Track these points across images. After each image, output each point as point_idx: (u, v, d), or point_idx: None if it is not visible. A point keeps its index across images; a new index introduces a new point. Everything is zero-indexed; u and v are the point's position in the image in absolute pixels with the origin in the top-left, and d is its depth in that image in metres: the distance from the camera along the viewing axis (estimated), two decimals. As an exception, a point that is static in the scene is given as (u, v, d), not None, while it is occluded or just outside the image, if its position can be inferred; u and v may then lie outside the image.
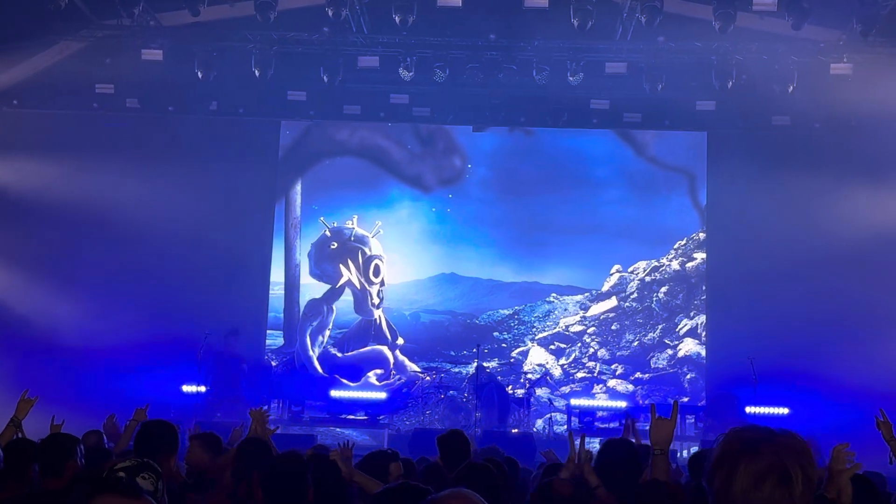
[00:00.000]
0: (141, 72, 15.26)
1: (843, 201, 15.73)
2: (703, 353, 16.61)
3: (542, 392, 16.38)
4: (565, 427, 15.33)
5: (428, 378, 15.96)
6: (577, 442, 4.93)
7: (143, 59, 14.89)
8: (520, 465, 7.18)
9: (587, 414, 15.17)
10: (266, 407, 15.53)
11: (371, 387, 16.52)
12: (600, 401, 16.19)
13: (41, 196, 16.09)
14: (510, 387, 15.49)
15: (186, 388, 14.78)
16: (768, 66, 14.69)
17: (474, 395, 14.90)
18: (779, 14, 13.09)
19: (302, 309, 17.12)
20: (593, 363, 16.85)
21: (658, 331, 16.90)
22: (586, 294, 17.06)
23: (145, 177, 16.11)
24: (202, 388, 14.64)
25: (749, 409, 14.31)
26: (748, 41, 14.41)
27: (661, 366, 16.76)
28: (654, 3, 12.81)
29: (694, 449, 12.41)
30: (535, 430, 15.50)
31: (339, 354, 16.95)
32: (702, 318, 16.78)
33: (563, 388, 16.68)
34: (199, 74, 14.96)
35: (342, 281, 17.11)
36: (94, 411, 8.20)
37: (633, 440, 6.99)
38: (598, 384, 16.74)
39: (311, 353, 16.96)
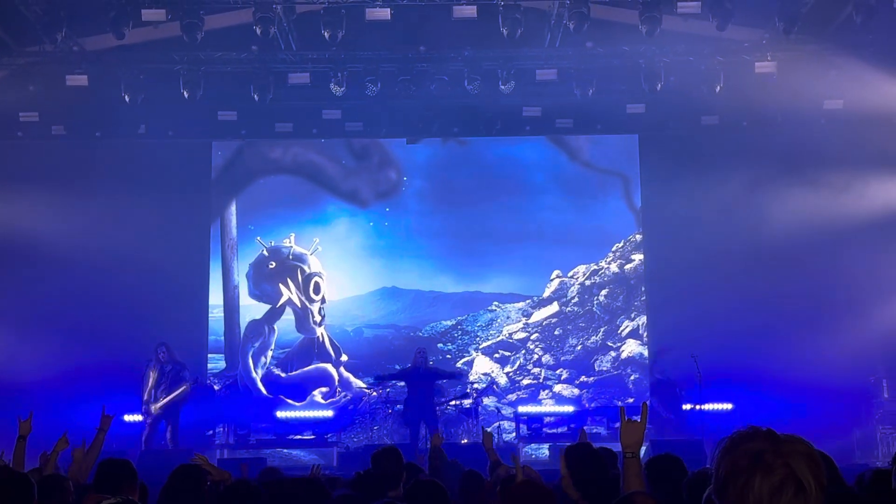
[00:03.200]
0: (66, 98, 15.03)
1: (773, 197, 16.03)
2: (646, 353, 16.76)
3: (489, 401, 16.37)
4: (514, 435, 15.34)
5: (374, 393, 15.86)
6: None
7: (68, 85, 14.65)
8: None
9: (535, 420, 15.20)
10: (210, 432, 15.41)
11: (317, 405, 16.37)
12: (547, 406, 16.23)
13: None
14: (455, 400, 15.42)
15: (128, 418, 14.47)
16: (695, 68, 14.92)
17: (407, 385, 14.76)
18: (703, 16, 13.30)
19: (243, 331, 16.92)
20: (538, 369, 16.90)
21: (600, 334, 17.02)
22: (528, 301, 17.12)
23: (75, 205, 15.78)
24: (139, 417, 14.28)
25: (687, 406, 14.48)
26: (675, 44, 14.61)
27: (605, 368, 16.88)
28: (581, 9, 12.93)
29: (643, 448, 12.48)
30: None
31: (283, 374, 16.78)
32: (643, 319, 16.94)
33: (510, 396, 16.71)
34: (126, 98, 14.73)
35: (282, 300, 16.95)
36: (33, 447, 7.98)
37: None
38: (543, 390, 16.79)
39: (254, 374, 16.76)
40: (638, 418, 4.23)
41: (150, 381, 14.30)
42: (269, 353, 16.86)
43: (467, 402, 15.33)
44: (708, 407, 14.30)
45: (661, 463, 5.28)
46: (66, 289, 15.60)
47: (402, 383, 15.39)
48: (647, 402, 4.51)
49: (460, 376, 15.40)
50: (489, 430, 7.52)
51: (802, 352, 14.94)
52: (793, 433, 2.36)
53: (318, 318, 16.90)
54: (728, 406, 14.90)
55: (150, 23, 13.46)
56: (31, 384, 14.82)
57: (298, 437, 15.11)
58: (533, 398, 16.61)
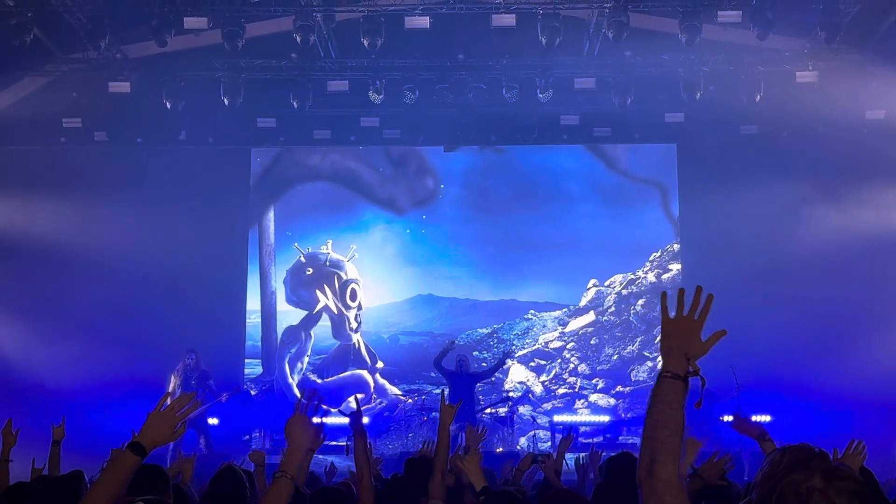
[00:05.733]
0: (108, 104, 15.22)
1: (813, 208, 15.89)
2: (683, 363, 16.59)
3: (524, 410, 16.33)
4: (549, 444, 15.28)
5: (409, 400, 15.89)
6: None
7: (111, 92, 14.86)
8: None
9: (570, 430, 15.11)
10: (247, 437, 15.51)
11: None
12: (582, 416, 16.16)
13: (10, 233, 15.94)
14: (490, 408, 15.40)
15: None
16: (735, 77, 14.82)
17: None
18: (744, 25, 13.21)
19: (279, 336, 17.01)
20: (574, 378, 16.84)
21: (637, 343, 16.93)
22: (564, 310, 17.07)
23: (116, 210, 15.99)
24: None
25: (725, 418, 14.35)
26: (714, 53, 14.54)
27: (641, 378, 16.78)
28: (620, 18, 12.91)
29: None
30: (518, 448, 15.44)
31: (319, 381, 16.84)
32: (680, 329, 16.76)
33: (545, 405, 16.65)
34: (168, 105, 14.89)
35: (319, 306, 17.02)
36: (73, 451, 8.07)
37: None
38: (579, 399, 16.72)
39: (290, 380, 16.83)
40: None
41: (171, 386, 14.40)
42: (306, 359, 16.94)
43: (502, 411, 15.30)
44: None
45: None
46: (105, 293, 15.77)
47: (438, 390, 15.36)
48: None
49: (503, 364, 15.31)
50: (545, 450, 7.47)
51: (842, 363, 14.76)
52: (841, 463, 2.28)
53: (354, 325, 16.96)
54: (766, 418, 14.73)
55: (192, 31, 13.59)
56: (70, 390, 15.01)
57: (334, 443, 15.12)
58: (568, 407, 16.54)
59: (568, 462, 8.46)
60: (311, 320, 17.05)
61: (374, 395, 16.72)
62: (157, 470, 5.22)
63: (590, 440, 14.80)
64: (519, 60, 14.86)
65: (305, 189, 17.47)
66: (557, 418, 15.66)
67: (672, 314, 2.62)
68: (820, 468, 2.20)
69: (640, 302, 17.03)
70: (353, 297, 17.00)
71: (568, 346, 16.96)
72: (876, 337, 15.11)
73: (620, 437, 14.80)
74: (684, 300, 2.62)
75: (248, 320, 16.98)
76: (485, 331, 17.07)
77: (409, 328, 17.09)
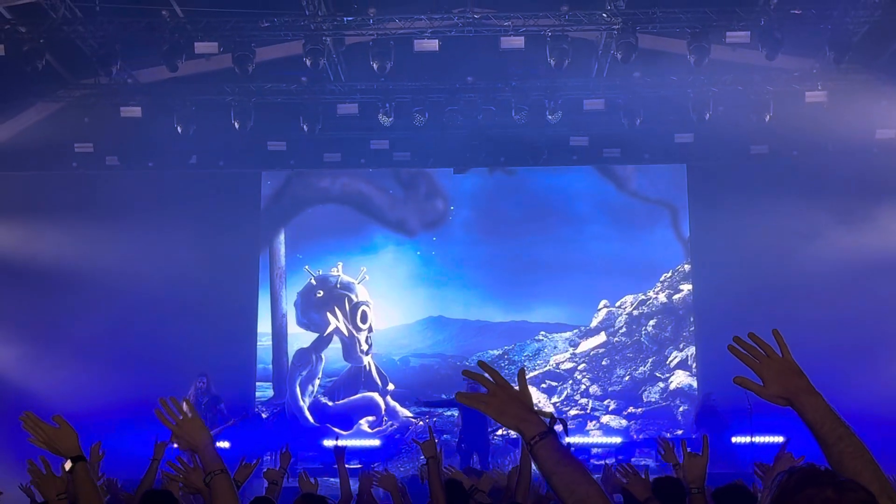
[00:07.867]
0: (120, 129, 15.32)
1: (824, 227, 15.84)
2: (695, 384, 16.57)
3: (535, 431, 16.24)
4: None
5: (420, 422, 15.84)
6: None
7: (122, 117, 14.94)
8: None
9: (582, 451, 15.07)
10: (257, 460, 15.45)
11: (364, 434, 16.39)
12: (594, 437, 16.10)
13: (22, 257, 15.99)
14: (502, 430, 15.37)
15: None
16: (744, 97, 14.85)
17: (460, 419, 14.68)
18: (752, 45, 13.25)
19: (290, 359, 17.01)
20: (585, 400, 16.78)
21: (648, 364, 16.87)
22: (575, 331, 17.03)
23: (127, 234, 16.06)
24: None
25: (736, 439, 14.29)
26: (723, 73, 14.57)
27: (653, 399, 16.71)
28: (628, 39, 12.95)
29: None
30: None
31: (330, 403, 16.82)
32: (691, 350, 16.77)
33: (557, 427, 16.56)
34: (179, 129, 14.99)
35: (330, 329, 17.03)
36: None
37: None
38: (591, 421, 16.66)
39: (301, 403, 16.82)
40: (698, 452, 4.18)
41: None
42: (317, 382, 16.93)
43: (514, 433, 15.21)
44: (759, 439, 14.09)
45: (729, 494, 5.22)
46: (116, 317, 15.82)
47: (450, 412, 15.36)
48: (707, 436, 4.46)
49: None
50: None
51: (856, 383, 14.66)
52: (848, 478, 2.32)
53: (365, 347, 16.95)
54: (780, 438, 14.65)
55: (203, 55, 13.68)
56: (81, 413, 14.91)
57: (345, 466, 15.09)
58: (580, 429, 16.48)
59: None
60: (322, 343, 17.06)
61: (385, 418, 16.69)
62: (168, 496, 5.22)
63: (601, 462, 14.72)
64: (528, 82, 14.92)
65: (316, 212, 17.51)
66: (569, 440, 15.51)
67: (483, 391, 2.72)
68: (830, 482, 2.26)
69: (651, 322, 16.99)
70: (364, 319, 17.00)
71: (579, 368, 16.92)
72: (890, 355, 15.03)
73: (633, 459, 14.70)
74: (482, 377, 2.72)
75: (259, 343, 16.99)
76: (496, 352, 17.04)
77: (420, 350, 17.07)
